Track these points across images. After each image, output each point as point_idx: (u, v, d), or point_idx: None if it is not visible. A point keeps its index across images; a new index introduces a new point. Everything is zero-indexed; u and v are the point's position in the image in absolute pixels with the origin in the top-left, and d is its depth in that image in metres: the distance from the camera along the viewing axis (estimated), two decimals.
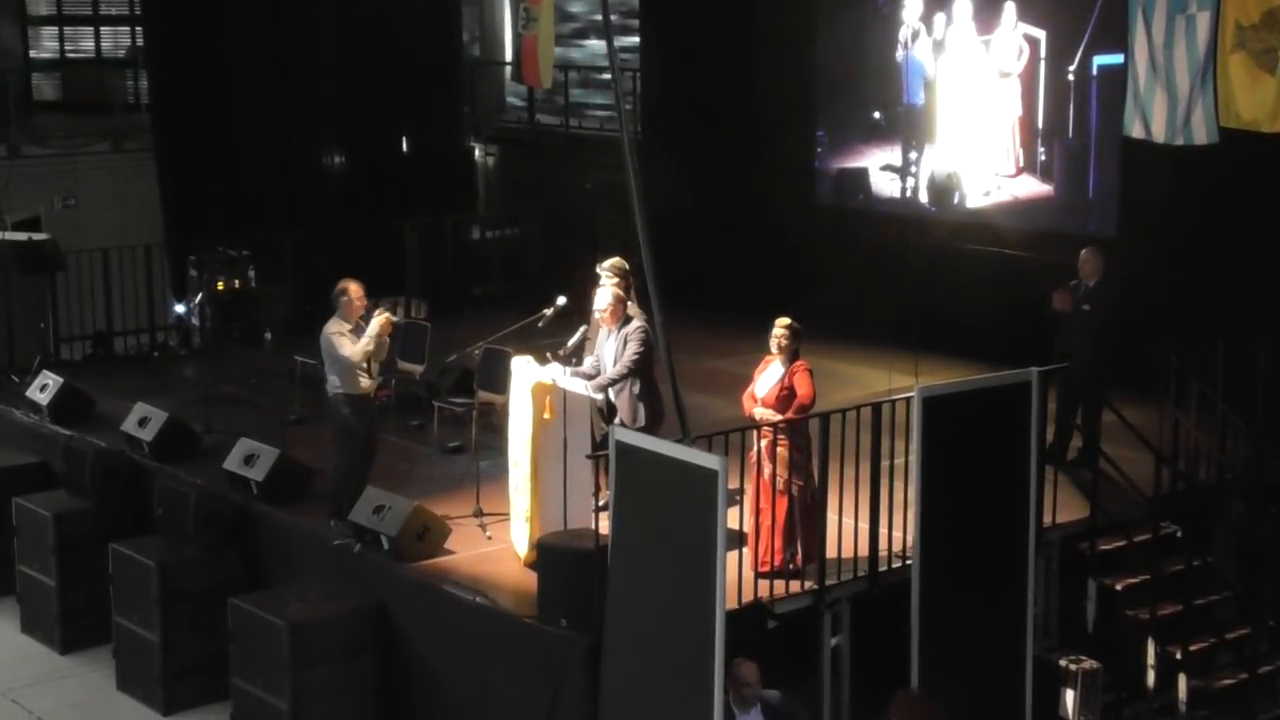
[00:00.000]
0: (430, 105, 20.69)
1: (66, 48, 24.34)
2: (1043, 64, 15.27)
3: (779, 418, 10.24)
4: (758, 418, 10.37)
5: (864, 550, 10.46)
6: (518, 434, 10.77)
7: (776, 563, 10.22)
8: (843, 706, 10.35)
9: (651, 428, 10.88)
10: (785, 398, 10.33)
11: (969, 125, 15.95)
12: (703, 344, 15.38)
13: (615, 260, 11.86)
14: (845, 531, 10.46)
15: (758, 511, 10.15)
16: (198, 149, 18.81)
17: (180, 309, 17.66)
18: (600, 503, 10.16)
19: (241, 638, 10.94)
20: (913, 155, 16.56)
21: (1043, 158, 15.46)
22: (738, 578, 9.78)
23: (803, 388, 10.31)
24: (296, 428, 13.53)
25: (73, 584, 12.66)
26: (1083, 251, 12.35)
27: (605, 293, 11.29)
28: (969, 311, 15.04)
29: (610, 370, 11.10)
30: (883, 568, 10.45)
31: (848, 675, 10.32)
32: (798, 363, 10.40)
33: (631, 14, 20.41)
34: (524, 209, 20.75)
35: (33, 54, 23.99)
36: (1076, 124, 15.14)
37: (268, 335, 17.14)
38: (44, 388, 14.34)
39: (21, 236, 16.97)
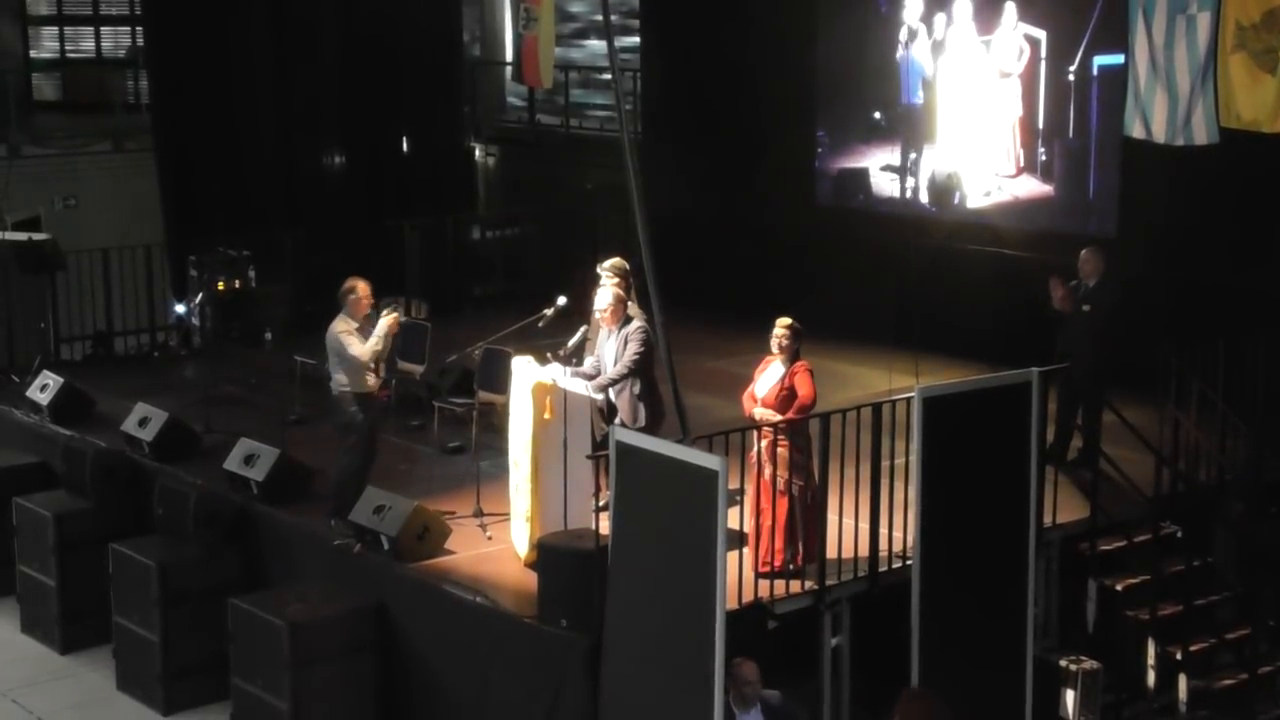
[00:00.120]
0: (430, 105, 20.69)
1: (66, 48, 24.33)
2: (1043, 64, 15.27)
3: (779, 418, 10.24)
4: (758, 418, 10.37)
5: (864, 550, 10.46)
6: (518, 434, 10.77)
7: (777, 563, 10.22)
8: (843, 706, 10.35)
9: (652, 428, 10.88)
10: (785, 398, 10.32)
11: (969, 125, 15.95)
12: (703, 344, 15.37)
13: (615, 260, 11.86)
14: (845, 531, 10.46)
15: (758, 512, 10.15)
16: (198, 149, 18.81)
17: (180, 309, 17.66)
18: (600, 503, 10.17)
19: (241, 638, 10.94)
20: (912, 155, 16.56)
21: (1043, 158, 15.46)
22: (738, 578, 9.78)
23: (804, 388, 10.30)
24: (296, 428, 13.53)
25: (73, 584, 12.66)
26: (1083, 251, 12.35)
27: (605, 293, 11.29)
28: (969, 311, 15.04)
29: (610, 370, 11.09)
30: (883, 568, 10.44)
31: (848, 675, 10.32)
32: (798, 363, 10.39)
33: (631, 14, 20.41)
34: (524, 209, 20.75)
35: (33, 54, 23.99)
36: (1077, 124, 15.14)
37: (268, 335, 17.14)
38: (44, 388, 14.34)
39: (21, 236, 16.96)
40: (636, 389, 11.10)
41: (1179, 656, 11.12)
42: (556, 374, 10.80)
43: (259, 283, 17.30)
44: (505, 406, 11.30)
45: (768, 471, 10.21)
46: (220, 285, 16.90)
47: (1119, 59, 13.16)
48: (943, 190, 16.28)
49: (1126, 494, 11.66)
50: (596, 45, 21.90)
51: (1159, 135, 11.26)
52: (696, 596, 8.63)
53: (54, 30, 24.31)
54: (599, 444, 10.48)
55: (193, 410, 13.89)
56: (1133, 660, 11.18)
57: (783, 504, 10.21)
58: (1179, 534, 11.62)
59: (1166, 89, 11.07)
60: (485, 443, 12.20)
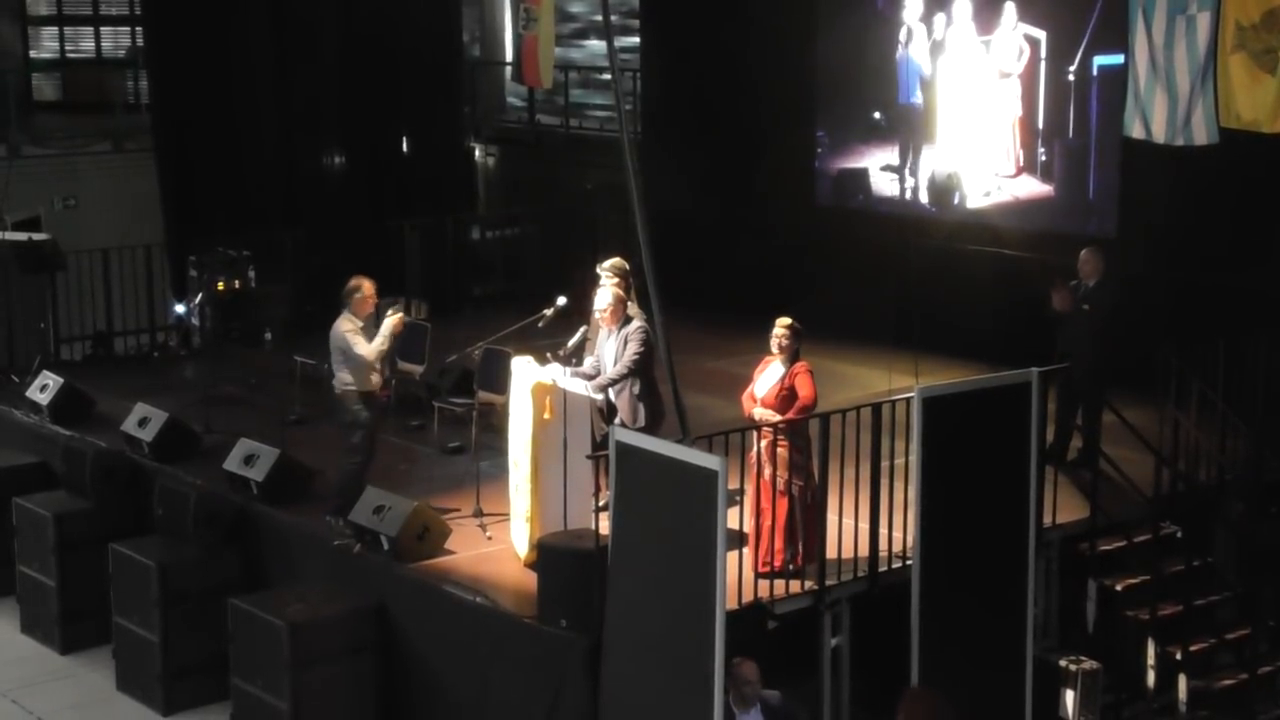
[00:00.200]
0: (430, 105, 20.68)
1: (66, 48, 24.33)
2: (1043, 64, 15.27)
3: (779, 418, 10.24)
4: (757, 418, 10.37)
5: (864, 550, 10.46)
6: (518, 434, 10.77)
7: (777, 563, 10.22)
8: (843, 706, 10.35)
9: (651, 428, 10.88)
10: (785, 398, 10.32)
11: (969, 125, 15.95)
12: (703, 344, 15.37)
13: (615, 260, 11.86)
14: (845, 532, 10.46)
15: (758, 512, 10.15)
16: (198, 149, 18.80)
17: (180, 309, 17.66)
18: (600, 503, 10.17)
19: (241, 638, 10.94)
20: (911, 155, 16.55)
21: (1043, 158, 15.46)
22: (738, 578, 9.78)
23: (805, 389, 10.30)
24: (296, 428, 13.54)
25: (73, 584, 12.66)
26: (1082, 252, 12.34)
27: (605, 293, 11.29)
28: (969, 311, 15.04)
29: (610, 370, 11.09)
30: (883, 568, 10.44)
31: (848, 675, 10.32)
32: (799, 364, 10.39)
33: (631, 14, 20.41)
34: (524, 209, 20.76)
35: (33, 54, 23.99)
36: (1076, 124, 15.14)
37: (268, 335, 17.15)
38: (44, 388, 14.34)
39: (21, 236, 16.96)
40: (636, 389, 11.10)
41: (1179, 656, 11.12)
42: (556, 374, 10.81)
43: (259, 283, 17.30)
44: (505, 406, 11.30)
45: (767, 472, 10.21)
46: (220, 285, 16.90)
47: (1119, 59, 13.17)
48: (943, 190, 16.29)
49: (1126, 494, 11.65)
50: (596, 45, 21.91)
51: (1159, 135, 11.26)
52: (696, 596, 8.63)
53: (54, 30, 24.31)
54: (599, 444, 10.48)
55: (193, 410, 13.89)
56: (1133, 660, 11.17)
57: (783, 504, 10.21)
58: (1179, 534, 11.62)
59: (1166, 89, 11.07)
60: (485, 443, 12.20)
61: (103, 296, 16.94)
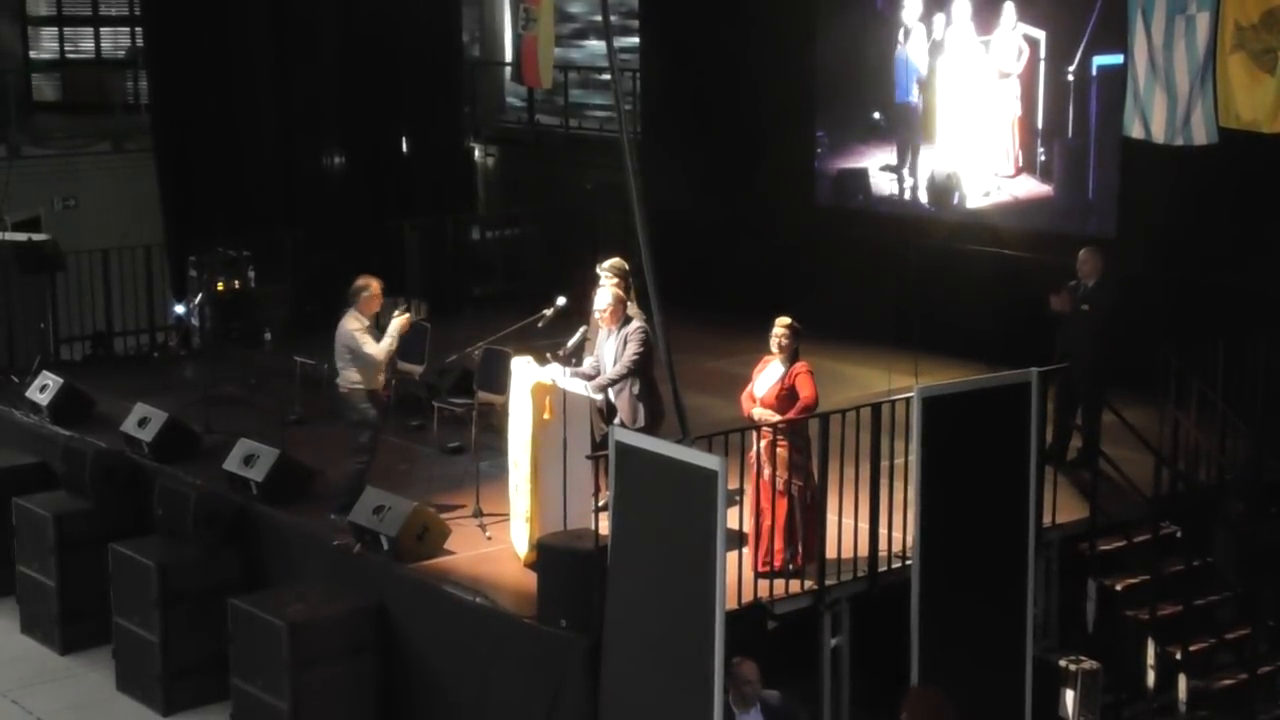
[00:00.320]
0: (430, 105, 20.68)
1: (66, 48, 24.34)
2: (1042, 64, 15.27)
3: (778, 418, 10.24)
4: (756, 418, 10.37)
5: (864, 550, 10.46)
6: (518, 434, 10.78)
7: (777, 563, 10.22)
8: (843, 706, 10.35)
9: (651, 428, 10.88)
10: (785, 398, 10.32)
11: (969, 125, 15.95)
12: (703, 344, 15.37)
13: (615, 260, 11.86)
14: (845, 531, 10.46)
15: (758, 512, 10.15)
16: (198, 149, 18.80)
17: (180, 309, 17.65)
18: (600, 503, 10.17)
19: (241, 638, 10.94)
20: (909, 155, 16.55)
21: (1042, 158, 15.46)
22: (738, 578, 9.78)
23: (806, 389, 10.29)
24: (296, 428, 13.55)
25: (73, 584, 12.66)
26: (1081, 251, 12.34)
27: (605, 293, 11.29)
28: (969, 311, 15.04)
29: (610, 370, 11.09)
30: (883, 568, 10.45)
31: (848, 675, 10.32)
32: (799, 364, 10.38)
33: (631, 14, 20.41)
34: (524, 209, 20.76)
35: (33, 54, 24.00)
36: (1076, 124, 15.14)
37: (268, 335, 17.14)
38: (44, 388, 14.34)
39: (21, 236, 16.97)
40: (636, 389, 11.10)
41: (1179, 656, 11.12)
42: (556, 374, 10.81)
43: (259, 283, 17.29)
44: (505, 407, 11.30)
45: (767, 472, 10.21)
46: (220, 285, 16.90)
47: (1118, 59, 13.16)
48: (942, 190, 16.29)
49: (1126, 494, 11.65)
50: (596, 45, 21.90)
51: (1158, 135, 11.26)
52: (696, 596, 8.63)
53: (54, 31, 24.32)
54: (598, 444, 10.48)
55: (192, 410, 13.89)
56: (1132, 660, 11.17)
57: (782, 504, 10.21)
58: (1179, 534, 11.62)
59: (1166, 89, 11.07)
60: (485, 443, 12.20)
61: (102, 297, 16.94)
